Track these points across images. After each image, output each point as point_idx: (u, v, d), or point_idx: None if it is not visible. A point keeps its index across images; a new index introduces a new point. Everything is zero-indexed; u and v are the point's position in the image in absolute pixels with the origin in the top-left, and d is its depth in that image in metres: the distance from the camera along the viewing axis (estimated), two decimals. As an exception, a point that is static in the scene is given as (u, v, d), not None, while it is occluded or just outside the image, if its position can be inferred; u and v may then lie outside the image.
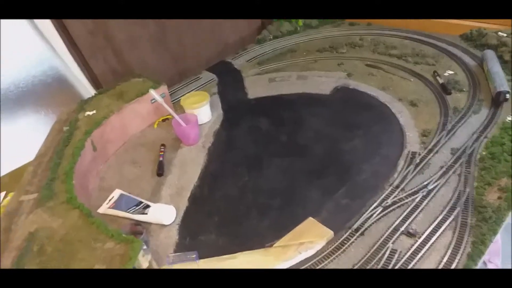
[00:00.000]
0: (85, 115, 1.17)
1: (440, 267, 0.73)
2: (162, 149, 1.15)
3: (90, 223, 0.82)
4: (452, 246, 0.77)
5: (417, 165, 0.96)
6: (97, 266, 0.73)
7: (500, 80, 1.13)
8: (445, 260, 0.74)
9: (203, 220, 0.94)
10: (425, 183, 0.91)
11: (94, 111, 1.18)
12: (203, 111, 1.23)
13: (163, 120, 1.29)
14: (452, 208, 0.84)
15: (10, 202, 0.95)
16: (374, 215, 0.86)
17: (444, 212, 0.83)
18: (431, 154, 0.98)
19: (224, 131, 1.22)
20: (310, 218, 0.88)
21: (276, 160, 1.07)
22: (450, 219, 0.82)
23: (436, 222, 0.82)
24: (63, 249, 0.79)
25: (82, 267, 0.74)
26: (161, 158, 1.12)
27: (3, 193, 1.14)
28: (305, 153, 1.08)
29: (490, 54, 1.27)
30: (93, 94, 1.31)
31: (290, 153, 1.09)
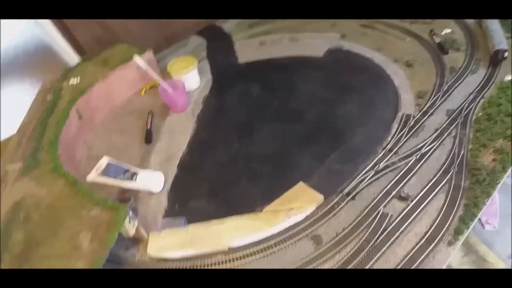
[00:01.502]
0: (69, 83, 1.13)
1: (431, 230, 0.72)
2: (150, 117, 1.12)
3: (76, 191, 0.81)
4: (444, 209, 0.75)
5: (411, 128, 0.93)
6: (83, 233, 0.72)
7: (498, 38, 1.08)
8: (436, 223, 0.73)
9: (193, 187, 0.92)
10: (419, 146, 0.89)
11: (78, 79, 1.14)
12: (191, 76, 1.19)
13: (151, 87, 1.26)
14: (446, 171, 0.82)
15: (-5, 172, 0.93)
16: (366, 179, 0.84)
17: (438, 176, 0.82)
18: (426, 116, 0.95)
19: (213, 97, 1.19)
20: (301, 183, 0.86)
21: (268, 126, 1.05)
22: (443, 182, 0.80)
23: (428, 186, 0.80)
24: (49, 217, 0.78)
25: (68, 235, 0.73)
26: (149, 126, 1.09)
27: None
28: (298, 119, 1.05)
29: (489, 12, 1.22)
30: (77, 62, 1.27)
31: (282, 119, 1.06)
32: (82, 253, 0.70)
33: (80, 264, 0.68)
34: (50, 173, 0.87)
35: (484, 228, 1.50)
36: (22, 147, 0.96)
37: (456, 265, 1.36)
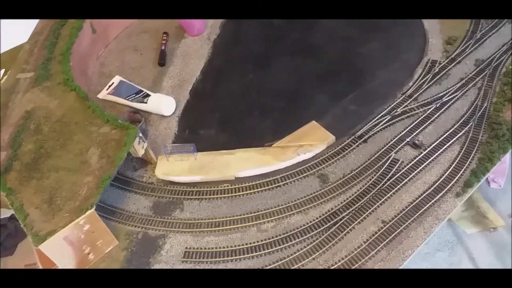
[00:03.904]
0: (84, -7, 1.08)
1: (441, 180, 0.71)
2: (165, 38, 1.08)
3: (87, 107, 0.80)
4: (457, 161, 0.74)
5: (436, 74, 0.89)
6: (92, 149, 0.73)
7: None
8: (447, 174, 0.72)
9: (204, 115, 0.91)
10: (441, 94, 0.85)
11: (93, -11, 1.08)
12: (211, -2, 1.12)
13: (168, 6, 1.20)
14: (465, 123, 0.80)
15: (7, 80, 0.92)
16: (381, 124, 0.82)
17: (456, 126, 0.79)
18: (453, 64, 0.90)
19: (231, 23, 1.13)
20: (313, 122, 0.84)
21: (285, 59, 1.01)
22: (460, 133, 0.78)
23: (444, 136, 0.78)
24: (59, 130, 0.78)
25: (77, 149, 0.74)
26: (163, 47, 1.05)
27: (2, 71, 1.11)
28: (317, 54, 1.00)
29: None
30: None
31: (300, 52, 1.02)
32: (91, 169, 0.71)
33: (87, 180, 0.69)
34: (61, 85, 0.86)
35: (489, 185, 1.50)
36: (34, 55, 0.94)
37: (455, 219, 1.38)
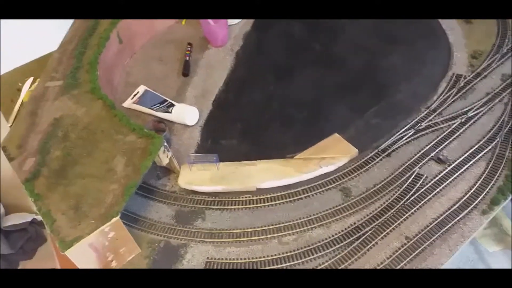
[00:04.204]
0: (112, 4, 1.11)
1: (467, 197, 0.70)
2: (189, 49, 1.10)
3: (113, 115, 0.82)
4: (483, 177, 0.73)
5: (461, 89, 0.88)
6: (118, 157, 0.74)
7: None
8: (472, 190, 0.71)
9: (226, 125, 0.92)
10: (466, 109, 0.84)
11: (121, 1, 1.11)
12: (235, 10, 1.14)
13: (192, 17, 1.22)
14: (491, 139, 0.78)
15: (36, 87, 0.95)
16: (405, 138, 0.81)
17: (481, 142, 0.78)
18: (478, 79, 0.89)
19: (254, 34, 1.14)
20: (336, 134, 0.84)
21: (307, 70, 1.01)
22: (486, 149, 0.77)
23: (470, 151, 0.77)
24: (86, 137, 0.80)
25: (103, 157, 0.75)
26: (187, 58, 1.07)
27: (30, 79, 1.14)
28: (339, 66, 1.00)
29: None
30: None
31: (322, 64, 1.02)
32: (116, 176, 0.72)
33: (113, 187, 0.70)
34: (88, 93, 0.88)
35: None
36: (63, 64, 0.97)
37: (477, 236, 1.35)
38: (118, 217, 0.65)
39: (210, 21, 1.06)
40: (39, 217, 1.67)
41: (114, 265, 0.69)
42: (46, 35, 1.30)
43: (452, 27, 1.03)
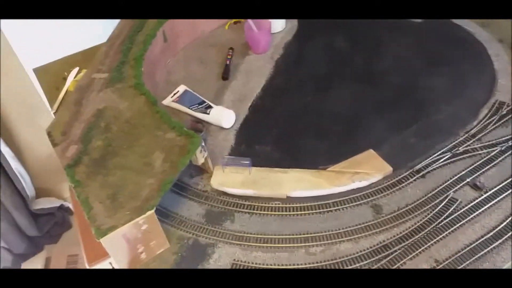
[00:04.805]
0: (160, 3, 1.14)
1: (502, 226, 0.69)
2: (230, 53, 1.12)
3: (155, 112, 0.84)
4: (520, 208, 0.71)
5: (503, 116, 0.87)
6: (156, 153, 0.76)
7: None
8: (508, 220, 0.70)
9: (261, 131, 0.93)
10: (507, 137, 0.83)
11: (169, 1, 1.15)
12: (278, 18, 1.16)
13: (235, 23, 1.24)
14: (531, 170, 0.77)
15: (83, 78, 0.99)
16: (441, 160, 0.80)
17: (521, 172, 0.76)
18: (522, 108, 0.88)
19: (295, 44, 1.16)
20: (370, 150, 0.84)
21: (346, 84, 1.01)
22: (526, 180, 0.75)
23: (508, 180, 0.75)
24: (127, 131, 0.82)
25: (143, 151, 0.78)
26: (228, 62, 1.09)
27: (76, 69, 1.19)
28: (379, 82, 1.00)
29: None
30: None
31: (362, 79, 1.02)
32: (154, 171, 0.74)
33: (150, 181, 0.72)
34: (132, 88, 0.91)
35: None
36: (110, 58, 1.01)
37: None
38: (153, 211, 0.67)
39: (254, 27, 1.08)
40: (66, 203, 1.74)
41: (143, 257, 0.71)
42: (94, 28, 1.35)
43: (498, 53, 1.02)
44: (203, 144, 0.77)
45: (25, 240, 1.59)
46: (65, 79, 1.16)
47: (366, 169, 0.80)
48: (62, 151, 0.82)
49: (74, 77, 1.15)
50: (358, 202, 0.76)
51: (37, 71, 1.32)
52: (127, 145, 0.79)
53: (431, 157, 0.81)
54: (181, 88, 1.02)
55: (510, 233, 0.68)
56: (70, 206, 1.74)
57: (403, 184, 0.78)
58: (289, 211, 0.77)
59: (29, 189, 1.55)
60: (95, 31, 1.28)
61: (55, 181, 1.72)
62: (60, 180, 1.71)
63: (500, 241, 0.67)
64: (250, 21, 1.08)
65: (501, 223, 0.70)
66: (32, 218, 1.59)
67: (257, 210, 0.78)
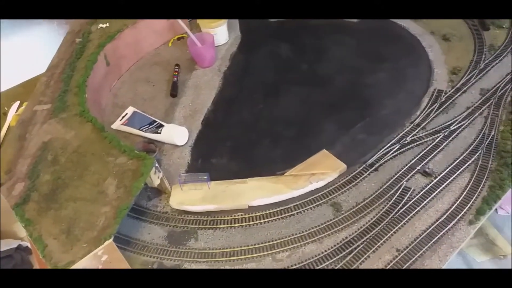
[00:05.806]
0: (98, 27, 1.12)
1: (453, 208, 0.72)
2: (176, 69, 1.11)
3: (103, 137, 0.82)
4: (468, 188, 0.75)
5: (442, 104, 0.92)
6: (109, 180, 0.74)
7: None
8: (459, 201, 0.73)
9: (216, 144, 0.93)
10: (448, 123, 0.87)
11: (107, 24, 1.12)
12: (220, 31, 1.16)
13: (178, 39, 1.24)
14: (473, 151, 0.81)
15: (24, 111, 0.94)
16: (391, 152, 0.84)
17: (464, 154, 0.81)
18: (458, 94, 0.93)
19: (241, 54, 1.17)
20: (324, 151, 0.86)
21: (294, 89, 1.03)
22: (470, 161, 0.79)
23: (454, 164, 0.80)
24: (76, 160, 0.80)
25: (94, 180, 0.75)
26: (175, 79, 1.08)
27: (17, 103, 1.13)
28: (325, 84, 1.03)
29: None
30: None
31: (309, 83, 1.04)
32: (108, 199, 0.72)
33: (105, 210, 0.70)
34: (77, 116, 0.88)
35: (497, 212, 1.50)
36: (51, 87, 0.97)
37: (464, 246, 1.38)
38: (111, 240, 0.65)
39: (197, 42, 1.08)
40: (24, 243, 1.64)
41: (107, 289, 0.69)
42: (31, 59, 1.31)
43: (431, 45, 1.08)
44: (156, 165, 0.75)
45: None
46: (5, 114, 1.11)
47: (322, 169, 0.82)
48: (8, 191, 0.78)
49: (16, 112, 1.10)
50: (318, 203, 0.78)
51: (-26, 108, 1.25)
52: (78, 176, 0.77)
53: (382, 150, 0.84)
54: (130, 110, 1.00)
55: (461, 214, 0.71)
56: (29, 245, 1.65)
57: (358, 180, 0.80)
58: (252, 221, 0.77)
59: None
60: (34, 62, 1.23)
61: (9, 221, 1.62)
62: (14, 220, 1.61)
63: (453, 222, 0.71)
64: (192, 36, 1.08)
65: (453, 205, 0.73)
66: (-12, 263, 1.49)
67: (220, 224, 0.77)
